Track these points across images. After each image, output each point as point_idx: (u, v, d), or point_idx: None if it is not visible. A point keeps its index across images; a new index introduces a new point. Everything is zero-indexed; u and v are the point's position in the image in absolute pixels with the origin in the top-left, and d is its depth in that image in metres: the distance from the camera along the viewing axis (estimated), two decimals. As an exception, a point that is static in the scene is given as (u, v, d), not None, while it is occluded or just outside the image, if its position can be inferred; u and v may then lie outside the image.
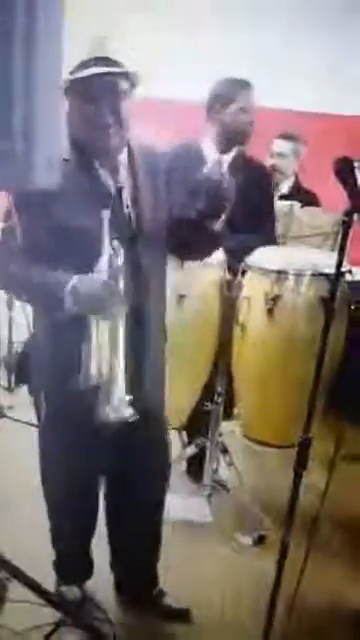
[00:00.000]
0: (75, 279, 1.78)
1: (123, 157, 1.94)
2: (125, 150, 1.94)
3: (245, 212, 2.81)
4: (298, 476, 1.89)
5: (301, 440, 1.88)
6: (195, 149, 2.91)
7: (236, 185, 2.82)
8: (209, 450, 2.90)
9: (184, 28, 4.53)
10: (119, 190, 1.92)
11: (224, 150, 2.91)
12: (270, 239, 2.98)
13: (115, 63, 1.81)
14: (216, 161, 2.88)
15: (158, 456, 2.20)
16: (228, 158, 2.91)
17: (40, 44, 1.93)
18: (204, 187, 1.90)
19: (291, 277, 2.65)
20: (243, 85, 2.85)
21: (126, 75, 1.82)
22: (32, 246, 1.85)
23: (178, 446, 3.13)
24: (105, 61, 1.79)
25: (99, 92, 1.79)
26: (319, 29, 4.63)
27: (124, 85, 1.81)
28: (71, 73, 1.80)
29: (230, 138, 2.88)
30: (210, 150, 2.90)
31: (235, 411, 3.10)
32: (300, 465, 1.89)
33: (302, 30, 4.62)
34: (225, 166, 2.89)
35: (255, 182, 2.91)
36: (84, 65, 1.79)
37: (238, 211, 2.79)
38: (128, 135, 1.89)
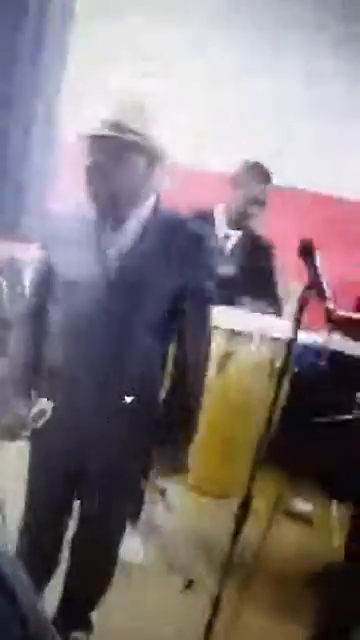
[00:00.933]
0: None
1: (133, 223, 1.93)
2: (141, 213, 1.93)
3: (250, 284, 3.00)
4: (238, 528, 2.00)
5: (245, 494, 2.00)
6: (209, 219, 3.01)
7: (240, 261, 2.99)
8: (148, 493, 2.98)
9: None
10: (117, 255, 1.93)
11: (231, 227, 3.04)
12: (274, 307, 3.11)
13: (126, 130, 1.79)
14: (223, 237, 3.04)
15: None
16: (237, 235, 3.06)
17: (40, 109, 2.04)
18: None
19: (243, 337, 2.79)
20: (256, 175, 2.95)
21: (134, 144, 1.80)
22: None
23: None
24: (116, 126, 1.79)
25: (94, 154, 1.82)
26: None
27: (127, 154, 1.81)
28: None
29: (235, 220, 3.03)
30: (222, 224, 3.03)
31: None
32: (241, 517, 2.00)
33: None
34: (233, 242, 3.06)
35: (259, 259, 3.10)
36: (97, 124, 1.81)
37: (244, 283, 2.97)
38: (133, 203, 1.90)
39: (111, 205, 1.88)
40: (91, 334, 1.94)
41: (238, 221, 3.03)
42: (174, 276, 1.95)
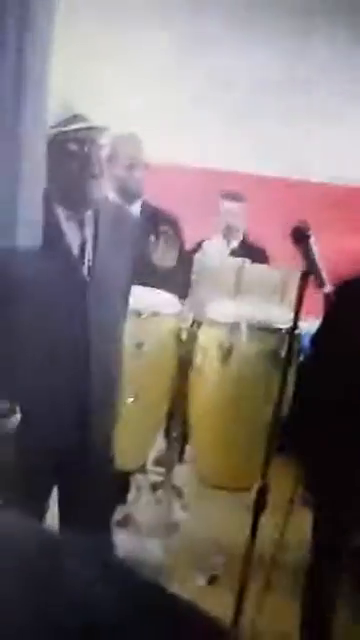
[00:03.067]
0: None
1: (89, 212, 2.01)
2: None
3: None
4: (256, 519, 1.96)
5: (260, 485, 1.95)
6: None
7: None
8: (164, 493, 2.93)
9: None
10: (83, 242, 1.98)
11: (127, 201, 3.01)
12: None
13: (89, 119, 1.94)
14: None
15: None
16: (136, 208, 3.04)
17: (28, 102, 2.00)
18: None
19: (243, 329, 2.75)
20: (127, 141, 2.98)
21: (101, 130, 1.96)
22: None
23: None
24: (84, 117, 1.93)
25: (85, 145, 1.91)
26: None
27: (101, 139, 1.96)
28: (54, 127, 1.89)
29: (125, 191, 3.00)
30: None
31: (185, 455, 3.17)
32: (258, 509, 1.96)
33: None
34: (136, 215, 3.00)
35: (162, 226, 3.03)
36: (68, 121, 1.90)
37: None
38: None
39: (97, 194, 2.01)
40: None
41: (127, 195, 3.01)
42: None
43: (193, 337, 2.84)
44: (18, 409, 1.84)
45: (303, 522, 2.22)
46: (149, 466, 3.22)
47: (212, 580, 2.72)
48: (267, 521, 2.01)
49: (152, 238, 2.89)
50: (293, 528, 2.05)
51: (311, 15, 4.69)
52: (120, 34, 4.60)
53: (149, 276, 2.79)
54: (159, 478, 3.08)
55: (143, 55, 4.62)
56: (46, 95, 1.74)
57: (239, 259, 3.31)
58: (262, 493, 1.95)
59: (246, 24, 4.69)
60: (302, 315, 2.06)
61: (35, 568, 0.72)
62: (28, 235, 1.99)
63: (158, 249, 2.89)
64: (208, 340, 2.79)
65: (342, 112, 4.74)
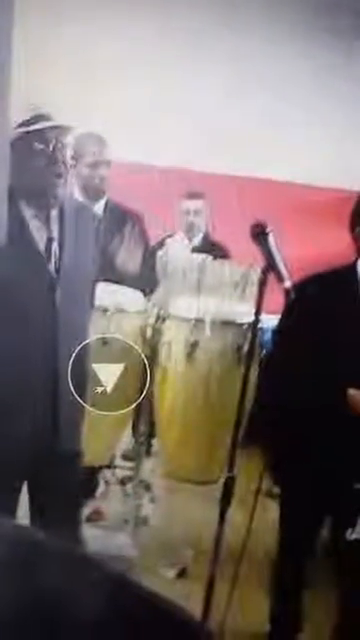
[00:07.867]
0: None
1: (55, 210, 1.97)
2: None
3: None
4: (223, 512, 1.93)
5: (226, 478, 1.92)
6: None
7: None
8: (133, 487, 2.90)
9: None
10: (49, 241, 1.93)
11: (91, 199, 2.97)
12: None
13: (53, 119, 1.90)
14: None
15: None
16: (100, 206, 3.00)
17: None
18: None
19: (207, 325, 2.72)
20: (91, 140, 2.93)
21: (65, 129, 1.92)
22: None
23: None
24: (48, 117, 1.90)
25: (50, 144, 1.88)
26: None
27: (65, 138, 1.91)
28: (19, 127, 1.86)
29: (90, 189, 2.96)
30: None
31: (153, 449, 3.15)
32: (225, 501, 1.93)
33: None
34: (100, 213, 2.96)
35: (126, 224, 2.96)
36: (33, 120, 1.86)
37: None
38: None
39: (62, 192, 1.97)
40: None
41: (92, 193, 2.97)
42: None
43: (158, 333, 2.81)
44: None
45: (271, 514, 2.22)
46: (117, 461, 3.19)
47: (181, 573, 2.69)
48: (235, 513, 1.99)
49: (117, 236, 2.83)
50: (261, 520, 2.03)
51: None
52: (81, 33, 4.52)
53: (114, 273, 2.76)
54: (127, 473, 3.05)
55: (107, 54, 4.57)
56: (9, 94, 1.68)
57: (201, 256, 3.29)
58: (228, 485, 1.92)
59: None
60: (264, 310, 2.04)
61: (11, 563, 0.70)
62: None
63: (123, 247, 2.83)
64: (173, 336, 2.76)
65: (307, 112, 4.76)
